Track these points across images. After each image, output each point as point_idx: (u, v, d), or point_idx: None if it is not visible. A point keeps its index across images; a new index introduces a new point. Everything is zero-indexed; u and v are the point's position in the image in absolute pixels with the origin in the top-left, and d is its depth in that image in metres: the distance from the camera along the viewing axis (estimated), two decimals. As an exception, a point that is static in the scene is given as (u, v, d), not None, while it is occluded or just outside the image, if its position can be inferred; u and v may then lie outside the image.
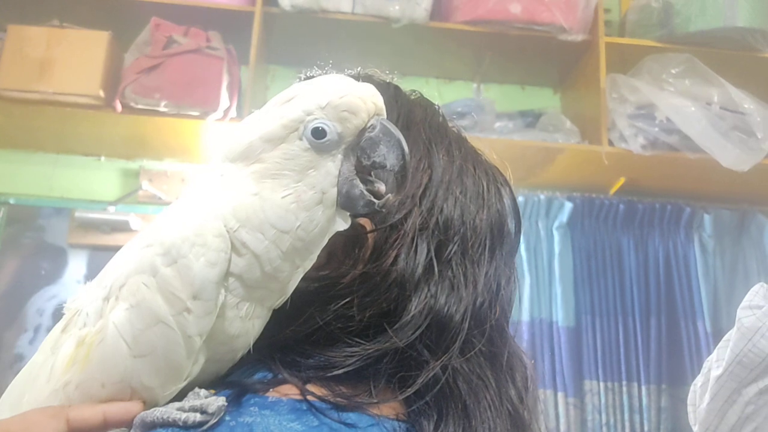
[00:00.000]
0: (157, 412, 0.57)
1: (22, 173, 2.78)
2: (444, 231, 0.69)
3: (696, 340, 2.67)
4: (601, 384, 2.58)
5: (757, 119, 2.57)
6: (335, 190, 0.62)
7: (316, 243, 0.63)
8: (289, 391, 0.62)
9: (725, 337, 1.26)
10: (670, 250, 2.78)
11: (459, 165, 0.74)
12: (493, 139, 2.63)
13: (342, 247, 0.68)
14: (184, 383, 0.61)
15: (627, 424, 2.56)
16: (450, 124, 0.80)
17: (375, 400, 0.63)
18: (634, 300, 2.70)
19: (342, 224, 0.64)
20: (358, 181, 0.62)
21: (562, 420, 2.51)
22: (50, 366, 0.63)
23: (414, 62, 2.95)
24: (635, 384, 2.60)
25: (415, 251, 0.67)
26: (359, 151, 0.63)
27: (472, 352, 0.67)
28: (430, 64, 2.99)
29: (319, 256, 0.65)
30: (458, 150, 0.76)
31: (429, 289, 0.66)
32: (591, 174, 2.79)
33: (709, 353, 2.58)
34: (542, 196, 2.74)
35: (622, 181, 2.81)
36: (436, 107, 0.81)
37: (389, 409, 0.64)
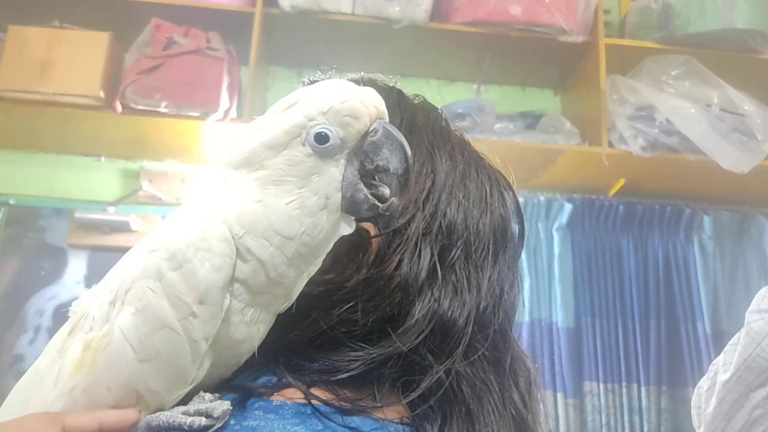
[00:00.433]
0: (163, 416, 0.58)
1: (22, 174, 2.78)
2: (447, 235, 0.69)
3: (695, 341, 2.67)
4: (601, 385, 2.58)
5: (757, 121, 2.57)
6: (339, 194, 0.62)
7: (321, 248, 0.63)
8: (293, 395, 0.63)
9: (732, 341, 1.26)
10: (669, 251, 2.78)
11: (462, 169, 0.74)
12: (494, 141, 2.63)
13: (346, 252, 0.68)
14: (190, 387, 0.61)
15: (627, 425, 2.56)
16: (453, 128, 0.80)
17: (379, 404, 0.63)
18: (633, 301, 2.70)
19: (347, 229, 0.64)
20: (362, 186, 0.63)
21: (561, 421, 2.51)
22: (57, 369, 0.63)
23: (414, 63, 2.96)
24: (635, 385, 2.61)
25: (419, 256, 0.67)
26: (362, 156, 0.63)
27: (476, 356, 0.68)
28: (431, 66, 3.00)
29: (324, 260, 0.65)
30: (461, 154, 0.76)
31: (432, 294, 0.66)
32: (591, 175, 2.79)
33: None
34: (542, 198, 2.74)
35: (621, 182, 2.82)
36: (439, 111, 0.81)
37: (393, 412, 0.64)
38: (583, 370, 2.60)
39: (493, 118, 2.74)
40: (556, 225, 2.73)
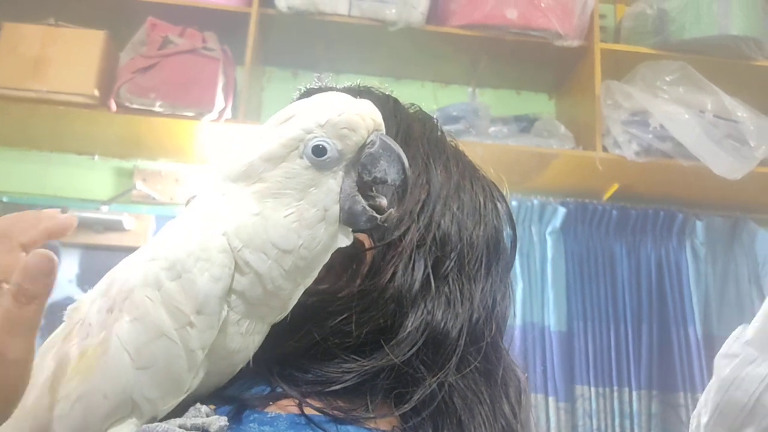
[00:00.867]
0: (160, 428, 0.58)
1: (15, 171, 2.77)
2: (441, 247, 0.70)
3: (687, 346, 2.68)
4: (592, 389, 2.59)
5: (750, 127, 2.58)
6: (337, 206, 0.62)
7: (318, 260, 0.63)
8: (288, 405, 0.63)
9: (708, 385, 1.25)
10: (662, 256, 2.79)
11: (456, 181, 0.74)
12: (488, 144, 2.64)
13: (340, 262, 0.68)
14: (184, 396, 0.62)
15: (617, 429, 2.56)
16: (448, 139, 0.80)
17: (372, 415, 0.63)
18: (626, 306, 2.71)
19: (344, 240, 0.64)
20: (359, 197, 0.63)
21: (552, 425, 2.51)
22: (52, 375, 0.62)
23: (410, 66, 2.96)
24: (626, 389, 2.61)
25: (413, 267, 0.67)
26: (360, 167, 0.63)
27: (468, 369, 0.68)
28: (426, 68, 3.00)
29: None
30: (456, 165, 0.76)
31: (426, 306, 0.67)
32: (585, 180, 2.80)
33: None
34: (536, 201, 2.74)
35: (615, 187, 2.83)
36: (435, 121, 0.81)
37: (386, 423, 0.65)
38: (575, 374, 2.60)
39: (488, 122, 2.75)
40: (549, 229, 2.73)
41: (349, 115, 0.62)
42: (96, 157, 2.81)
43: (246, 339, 0.63)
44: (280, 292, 0.62)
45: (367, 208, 0.62)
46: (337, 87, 0.81)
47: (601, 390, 2.60)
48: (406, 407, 0.64)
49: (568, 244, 2.75)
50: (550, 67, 2.94)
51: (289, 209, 0.61)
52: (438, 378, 0.65)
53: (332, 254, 0.65)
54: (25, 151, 2.79)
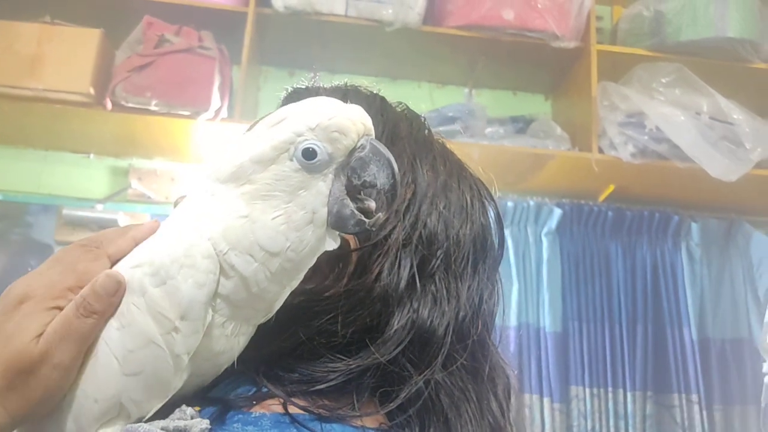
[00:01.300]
0: (142, 429, 0.58)
1: (10, 170, 2.76)
2: (427, 246, 0.70)
3: (682, 347, 2.68)
4: (587, 390, 2.59)
5: (746, 130, 2.59)
6: (326, 209, 0.62)
7: (304, 263, 0.64)
8: (272, 404, 0.63)
9: None
10: (657, 257, 2.79)
11: (443, 180, 0.75)
12: (484, 145, 2.64)
13: (326, 262, 0.68)
14: (169, 397, 0.62)
15: (612, 430, 2.57)
16: (436, 137, 0.81)
17: (357, 413, 0.64)
18: (621, 307, 2.71)
19: (332, 244, 0.64)
20: (348, 201, 0.63)
21: (547, 425, 2.51)
22: None
23: (406, 66, 2.96)
24: (621, 390, 2.61)
25: (399, 266, 0.68)
26: (349, 171, 0.63)
27: (454, 366, 0.68)
28: (423, 69, 3.00)
29: None
30: (443, 164, 0.76)
31: (412, 304, 0.67)
32: (580, 181, 2.80)
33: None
34: (531, 202, 2.74)
35: (611, 188, 2.83)
36: (422, 119, 0.81)
37: (372, 421, 0.65)
38: (570, 374, 2.60)
39: (484, 122, 2.74)
40: (545, 230, 2.73)
41: (339, 119, 0.62)
42: (91, 155, 2.80)
43: (231, 341, 0.63)
44: (265, 294, 0.62)
45: (356, 212, 0.63)
46: (325, 86, 0.81)
47: (595, 391, 2.60)
48: (392, 405, 0.64)
49: (563, 245, 2.75)
50: (547, 68, 2.94)
51: (277, 211, 0.61)
52: (424, 376, 0.65)
53: (320, 255, 0.65)
54: (21, 150, 2.78)
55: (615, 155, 2.60)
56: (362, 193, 0.64)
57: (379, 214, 0.64)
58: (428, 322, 0.67)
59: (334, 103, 0.64)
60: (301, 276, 0.64)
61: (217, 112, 2.51)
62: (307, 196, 0.61)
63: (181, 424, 0.58)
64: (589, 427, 2.55)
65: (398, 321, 0.66)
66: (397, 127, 0.77)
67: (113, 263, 0.63)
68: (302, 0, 2.59)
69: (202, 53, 2.56)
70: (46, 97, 2.45)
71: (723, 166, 2.54)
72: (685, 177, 2.64)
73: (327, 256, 0.66)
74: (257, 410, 0.63)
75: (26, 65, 2.46)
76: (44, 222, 2.69)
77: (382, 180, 0.63)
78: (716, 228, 2.88)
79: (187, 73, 2.52)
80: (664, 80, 2.67)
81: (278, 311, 0.65)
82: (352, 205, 0.63)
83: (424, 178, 0.73)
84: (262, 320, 0.65)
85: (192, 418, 0.59)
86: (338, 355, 0.65)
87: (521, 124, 2.83)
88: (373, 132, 0.65)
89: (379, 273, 0.67)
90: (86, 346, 0.60)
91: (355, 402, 0.64)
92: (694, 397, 2.62)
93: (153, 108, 2.47)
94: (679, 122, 2.59)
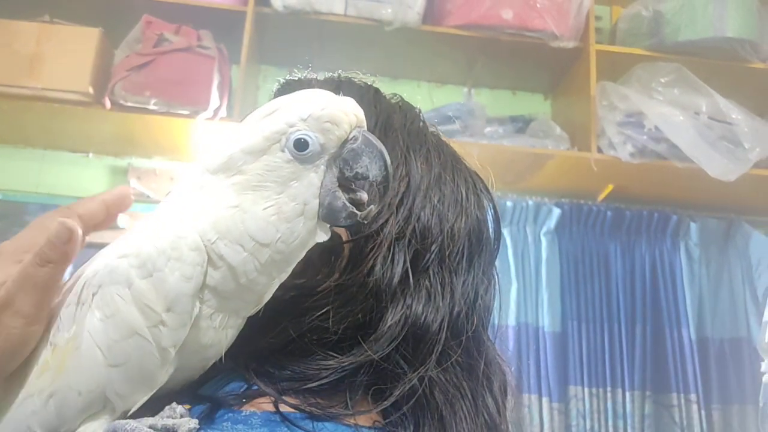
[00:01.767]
0: (129, 426, 0.57)
1: (9, 169, 2.76)
2: (421, 240, 0.69)
3: (680, 347, 2.68)
4: (586, 390, 2.59)
5: (745, 129, 2.59)
6: (317, 201, 0.61)
7: (294, 255, 0.63)
8: (263, 403, 0.62)
9: None
10: (656, 257, 2.79)
11: (437, 173, 0.74)
12: (483, 144, 2.64)
13: (318, 256, 0.67)
14: (155, 391, 0.61)
15: (611, 429, 2.57)
16: (431, 129, 0.80)
17: (351, 412, 0.63)
18: (620, 306, 2.71)
19: (322, 236, 0.63)
20: (340, 193, 0.62)
21: (546, 425, 2.51)
22: (23, 369, 0.62)
23: (406, 65, 2.96)
24: (619, 390, 2.62)
25: (392, 261, 0.67)
26: (341, 163, 0.63)
27: (449, 363, 0.67)
28: (422, 68, 3.00)
29: (296, 264, 0.65)
30: (437, 157, 0.75)
31: (405, 300, 0.66)
32: (579, 180, 2.81)
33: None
34: (530, 202, 2.74)
35: (610, 188, 2.83)
36: (416, 111, 0.80)
37: (366, 419, 0.64)
38: (569, 374, 2.60)
39: (483, 122, 2.75)
40: (544, 229, 2.74)
41: (332, 109, 0.61)
42: (90, 154, 2.80)
43: (219, 333, 0.63)
44: (254, 286, 0.61)
45: (347, 204, 0.62)
46: (318, 78, 0.81)
47: (594, 390, 2.60)
48: (386, 403, 0.64)
49: (562, 244, 2.75)
50: (546, 67, 2.94)
51: (268, 202, 0.60)
52: (418, 373, 0.64)
53: (311, 248, 0.64)
54: (19, 149, 2.78)
55: (614, 155, 2.61)
56: (354, 185, 0.63)
57: (371, 206, 0.63)
58: (422, 318, 0.66)
59: (326, 95, 0.63)
60: (291, 268, 0.64)
61: (216, 111, 2.51)
62: (298, 187, 0.61)
63: (170, 422, 0.57)
64: (587, 427, 2.55)
65: (391, 317, 0.65)
66: (390, 119, 0.76)
67: (85, 224, 0.64)
68: (301, -1, 2.59)
69: (201, 52, 2.56)
70: (45, 96, 2.45)
71: (722, 165, 2.54)
72: (684, 177, 2.64)
73: (319, 249, 0.65)
74: (247, 408, 0.62)
75: (25, 64, 2.46)
76: (43, 221, 2.68)
77: (374, 172, 0.63)
78: (715, 228, 2.88)
79: (186, 73, 2.52)
80: (663, 80, 2.67)
81: (269, 307, 0.65)
82: (343, 197, 0.62)
83: (417, 171, 0.72)
84: (252, 312, 0.65)
85: (181, 416, 0.59)
86: (330, 353, 0.64)
87: (520, 124, 2.84)
88: (365, 123, 0.64)
89: (372, 267, 0.66)
90: (47, 297, 0.60)
91: (348, 400, 0.63)
92: (693, 397, 2.62)
93: (152, 107, 2.47)
94: (678, 122, 2.59)
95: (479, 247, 0.74)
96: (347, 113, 0.62)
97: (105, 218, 0.68)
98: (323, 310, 0.65)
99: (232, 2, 2.66)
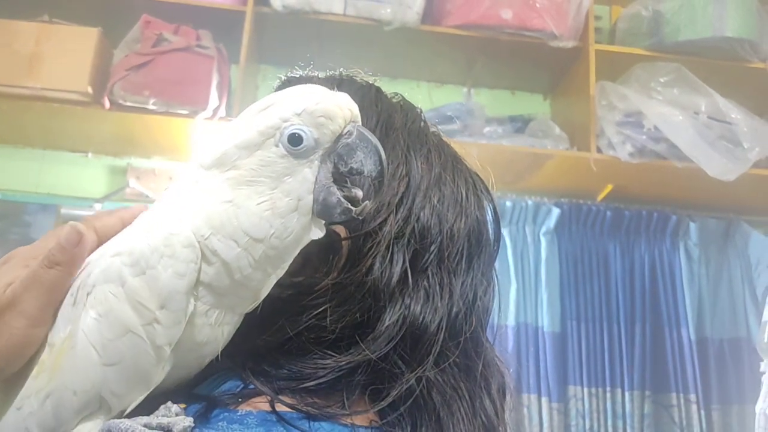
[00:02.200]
0: (123, 425, 0.57)
1: (8, 169, 2.76)
2: (420, 239, 0.68)
3: (680, 347, 2.68)
4: (585, 389, 2.59)
5: (744, 129, 2.59)
6: (311, 197, 0.61)
7: (289, 252, 0.62)
8: (259, 402, 0.62)
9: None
10: (655, 257, 2.79)
11: (438, 173, 0.73)
12: (482, 144, 2.64)
13: (317, 254, 0.67)
14: (151, 390, 0.61)
15: (610, 429, 2.57)
16: (432, 129, 0.79)
17: (347, 412, 0.62)
18: (619, 306, 2.71)
19: (317, 233, 0.63)
20: (335, 188, 0.62)
21: (545, 425, 2.51)
22: (20, 370, 0.62)
23: (405, 65, 2.96)
24: (619, 390, 2.62)
25: (391, 260, 0.66)
26: (336, 158, 0.62)
27: (447, 363, 0.67)
28: (421, 68, 3.00)
29: (294, 261, 0.64)
30: (438, 157, 0.75)
31: (404, 300, 0.66)
32: (579, 180, 2.81)
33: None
34: (530, 202, 2.74)
35: (609, 188, 2.83)
36: (418, 111, 0.80)
37: (363, 419, 0.64)
38: (568, 374, 2.60)
39: (483, 122, 2.75)
40: (543, 229, 2.74)
41: (326, 104, 0.61)
42: (89, 154, 2.80)
43: (215, 330, 0.62)
44: (248, 282, 0.61)
45: (342, 200, 0.62)
46: (319, 75, 0.80)
47: (593, 390, 2.60)
48: (384, 403, 0.63)
49: (562, 244, 2.75)
50: (545, 67, 2.94)
51: (262, 197, 0.60)
52: (416, 373, 0.64)
53: (309, 246, 0.64)
54: (19, 148, 2.78)
55: (613, 155, 2.61)
56: (349, 181, 0.63)
57: (366, 202, 0.63)
58: (420, 318, 0.65)
59: (320, 90, 0.63)
60: (287, 264, 0.63)
61: (215, 111, 2.51)
62: (292, 182, 0.60)
63: (165, 421, 0.57)
64: (587, 427, 2.55)
65: (389, 317, 0.65)
66: (391, 118, 0.75)
67: (100, 237, 0.64)
68: (300, -1, 2.59)
69: (201, 52, 2.56)
70: (44, 96, 2.45)
71: (721, 165, 2.54)
72: (684, 177, 2.64)
73: (317, 247, 0.65)
74: (243, 408, 0.62)
75: (24, 64, 2.46)
76: (42, 221, 2.68)
77: (369, 167, 0.62)
78: (714, 228, 2.88)
79: (185, 72, 2.52)
80: (662, 80, 2.67)
81: (266, 305, 0.64)
82: (338, 193, 0.62)
83: (418, 171, 0.72)
84: (249, 309, 0.64)
85: (177, 415, 0.58)
86: (328, 352, 0.64)
87: (520, 124, 2.84)
88: (359, 119, 0.64)
89: (371, 267, 0.66)
90: (52, 299, 0.60)
91: (345, 400, 0.63)
92: (692, 397, 2.62)
93: (151, 107, 2.46)
94: (678, 122, 2.59)
95: (479, 248, 0.74)
96: (342, 108, 0.62)
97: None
98: (321, 309, 0.65)
99: (232, 2, 2.66)
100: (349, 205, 0.62)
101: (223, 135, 0.63)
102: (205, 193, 0.61)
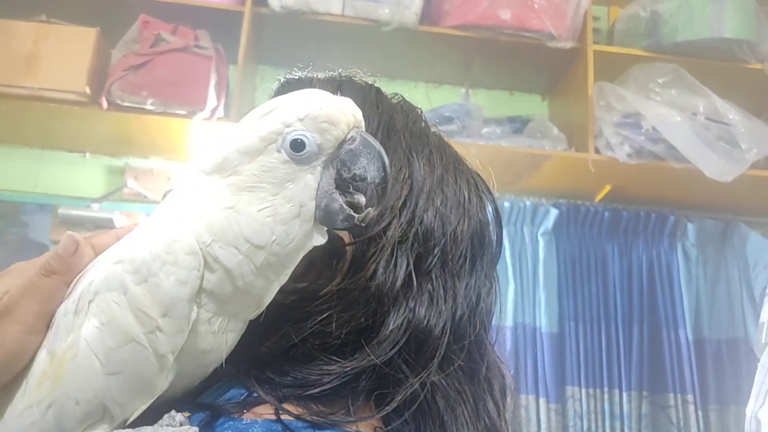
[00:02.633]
0: None
1: (6, 168, 2.75)
2: (424, 243, 0.68)
3: (677, 348, 2.69)
4: (583, 390, 2.59)
5: (742, 130, 2.59)
6: (313, 203, 0.60)
7: (291, 258, 0.62)
8: (264, 411, 0.61)
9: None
10: (653, 258, 2.80)
11: (440, 174, 0.73)
12: (481, 145, 2.64)
13: (320, 259, 0.66)
14: (155, 398, 0.61)
15: (608, 430, 2.57)
16: (432, 129, 0.78)
17: (353, 418, 0.62)
18: (617, 307, 2.71)
19: (319, 239, 0.62)
20: (337, 195, 0.61)
21: (543, 425, 2.51)
22: (24, 379, 0.61)
23: (403, 66, 2.96)
24: (616, 391, 2.62)
25: (395, 264, 0.66)
26: (339, 164, 0.61)
27: (452, 368, 0.66)
28: (419, 68, 3.00)
29: (297, 267, 0.63)
30: (439, 159, 0.74)
31: (408, 303, 0.65)
32: (577, 181, 2.81)
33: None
34: (528, 202, 2.74)
35: (607, 188, 2.83)
36: (418, 111, 0.79)
37: (367, 425, 0.64)
38: (566, 374, 2.61)
39: (481, 122, 2.75)
40: (541, 230, 2.74)
41: (329, 109, 0.60)
42: (87, 154, 2.80)
43: (218, 338, 0.62)
44: (251, 289, 0.60)
45: (345, 206, 0.61)
46: (319, 77, 0.79)
47: (591, 391, 2.60)
48: (388, 409, 0.63)
49: (560, 245, 2.75)
50: (544, 68, 2.94)
51: (263, 203, 0.59)
52: (420, 378, 0.63)
53: (312, 251, 0.63)
54: (16, 148, 2.78)
55: (611, 155, 2.61)
56: (352, 187, 0.62)
57: (369, 209, 0.62)
58: (425, 322, 0.65)
59: (323, 94, 0.62)
60: (290, 270, 0.62)
61: (214, 111, 2.51)
62: (294, 188, 0.60)
63: (169, 430, 0.57)
64: (584, 428, 2.55)
65: (394, 321, 0.64)
66: (392, 120, 0.75)
67: (97, 253, 0.64)
68: (299, -1, 2.59)
69: (199, 52, 2.56)
70: (42, 96, 2.45)
71: (719, 166, 2.54)
72: (682, 177, 2.64)
73: (321, 253, 0.64)
74: (248, 417, 0.61)
75: (22, 64, 2.45)
76: (40, 221, 2.68)
77: (372, 173, 0.61)
78: (712, 228, 2.89)
79: (183, 73, 2.51)
80: (660, 81, 2.67)
81: (270, 312, 0.64)
82: (341, 200, 0.61)
83: (420, 173, 0.71)
84: (252, 316, 0.64)
85: (181, 424, 0.58)
86: (333, 357, 0.63)
87: (518, 124, 2.84)
88: (363, 124, 0.63)
89: (375, 271, 0.65)
90: (48, 307, 0.61)
91: (350, 406, 0.63)
92: (690, 397, 2.62)
93: (149, 107, 2.46)
94: (676, 123, 2.59)
95: (481, 249, 0.73)
96: (345, 113, 0.61)
97: None
98: (325, 315, 0.64)
99: (230, 2, 2.66)
100: (352, 212, 0.61)
101: (224, 140, 0.62)
102: (206, 199, 0.60)
